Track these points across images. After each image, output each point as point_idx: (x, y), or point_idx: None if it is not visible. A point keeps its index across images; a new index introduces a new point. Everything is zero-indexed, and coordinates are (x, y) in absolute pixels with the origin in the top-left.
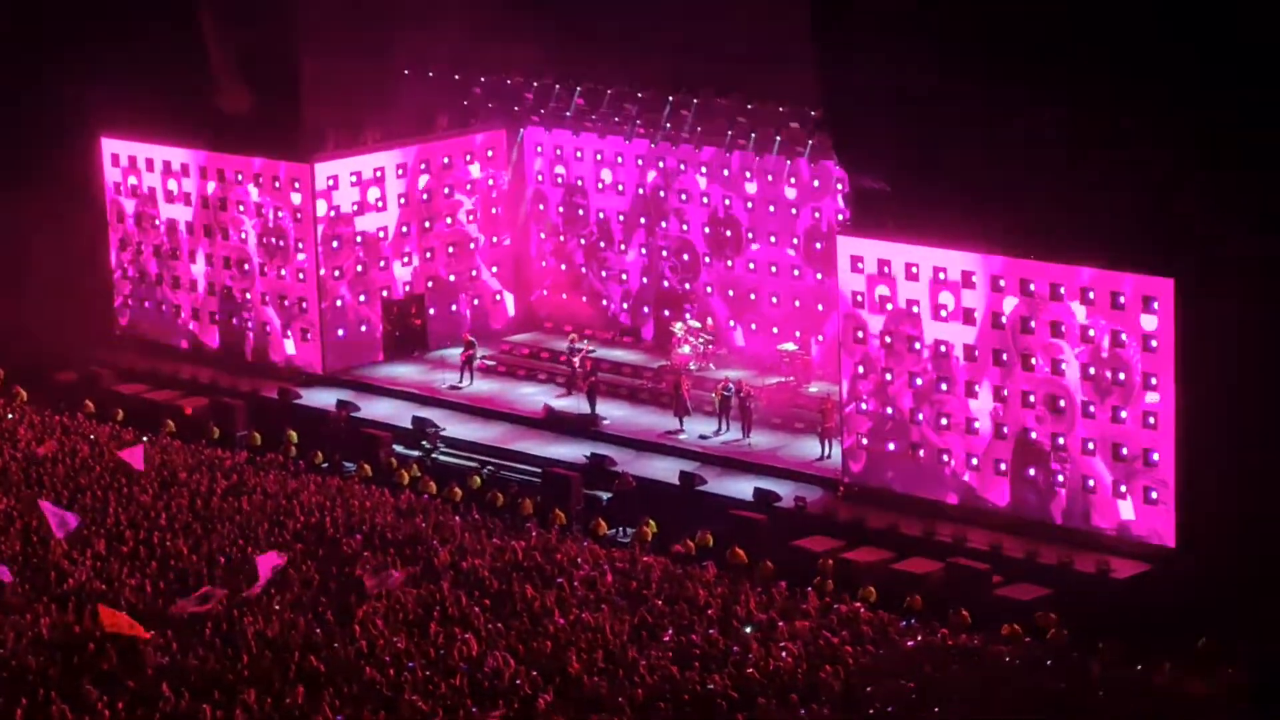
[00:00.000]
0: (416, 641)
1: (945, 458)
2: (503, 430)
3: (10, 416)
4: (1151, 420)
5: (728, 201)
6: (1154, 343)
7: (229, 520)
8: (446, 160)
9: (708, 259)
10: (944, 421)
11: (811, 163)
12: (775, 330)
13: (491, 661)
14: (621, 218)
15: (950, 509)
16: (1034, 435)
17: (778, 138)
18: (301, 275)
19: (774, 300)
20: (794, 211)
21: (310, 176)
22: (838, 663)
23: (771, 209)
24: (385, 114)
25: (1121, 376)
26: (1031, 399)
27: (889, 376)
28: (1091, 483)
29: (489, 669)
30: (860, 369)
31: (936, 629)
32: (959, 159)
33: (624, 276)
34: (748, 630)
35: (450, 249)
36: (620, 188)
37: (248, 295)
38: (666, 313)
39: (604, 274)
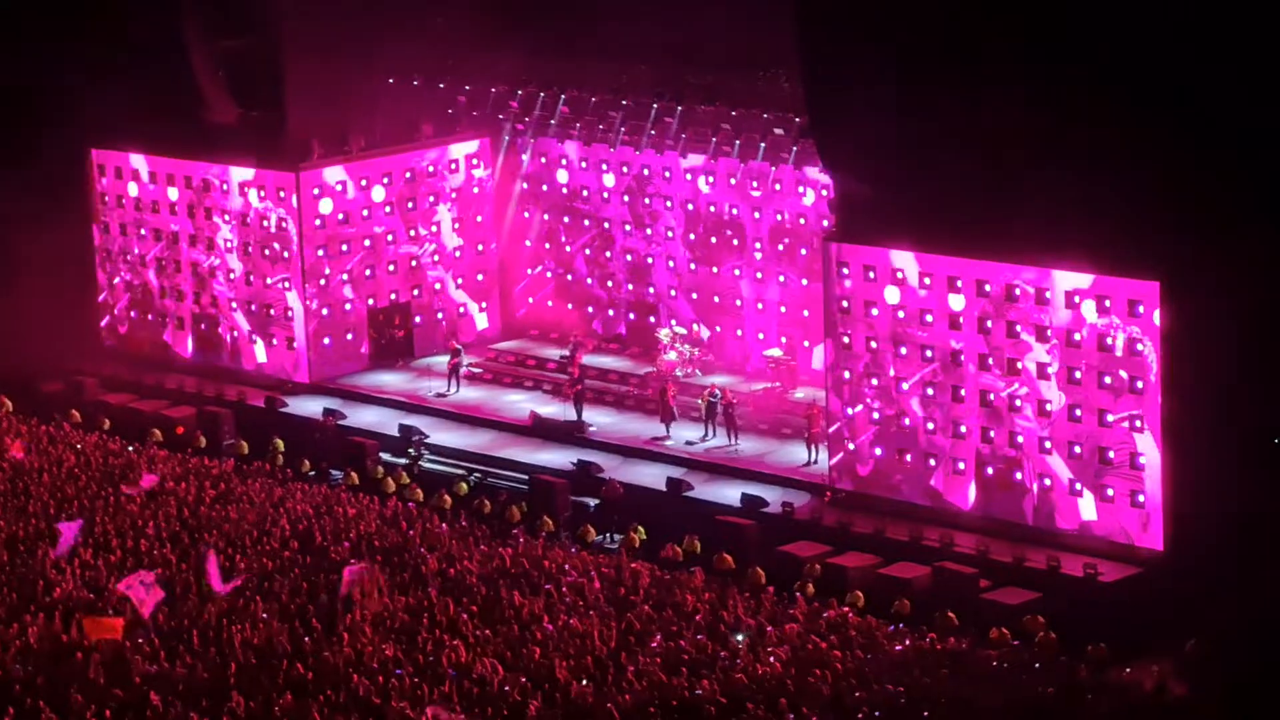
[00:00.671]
0: (405, 649)
1: (931, 462)
2: (490, 437)
3: None
4: (1138, 424)
5: (713, 208)
6: (1140, 345)
7: (217, 529)
8: (431, 169)
9: (693, 265)
10: (930, 426)
11: (796, 168)
12: (761, 336)
13: (479, 668)
14: (606, 225)
15: (936, 513)
16: (1020, 439)
17: (762, 144)
18: (287, 283)
19: (759, 306)
20: (779, 217)
21: (296, 185)
22: (826, 668)
23: (756, 215)
24: (370, 123)
25: (1108, 380)
26: (1018, 403)
27: (875, 382)
28: (1079, 485)
29: (477, 676)
30: (845, 374)
31: (924, 633)
32: (944, 164)
33: (609, 283)
34: (739, 638)
35: (435, 257)
36: (605, 195)
37: (233, 304)
38: (652, 319)
39: (589, 280)
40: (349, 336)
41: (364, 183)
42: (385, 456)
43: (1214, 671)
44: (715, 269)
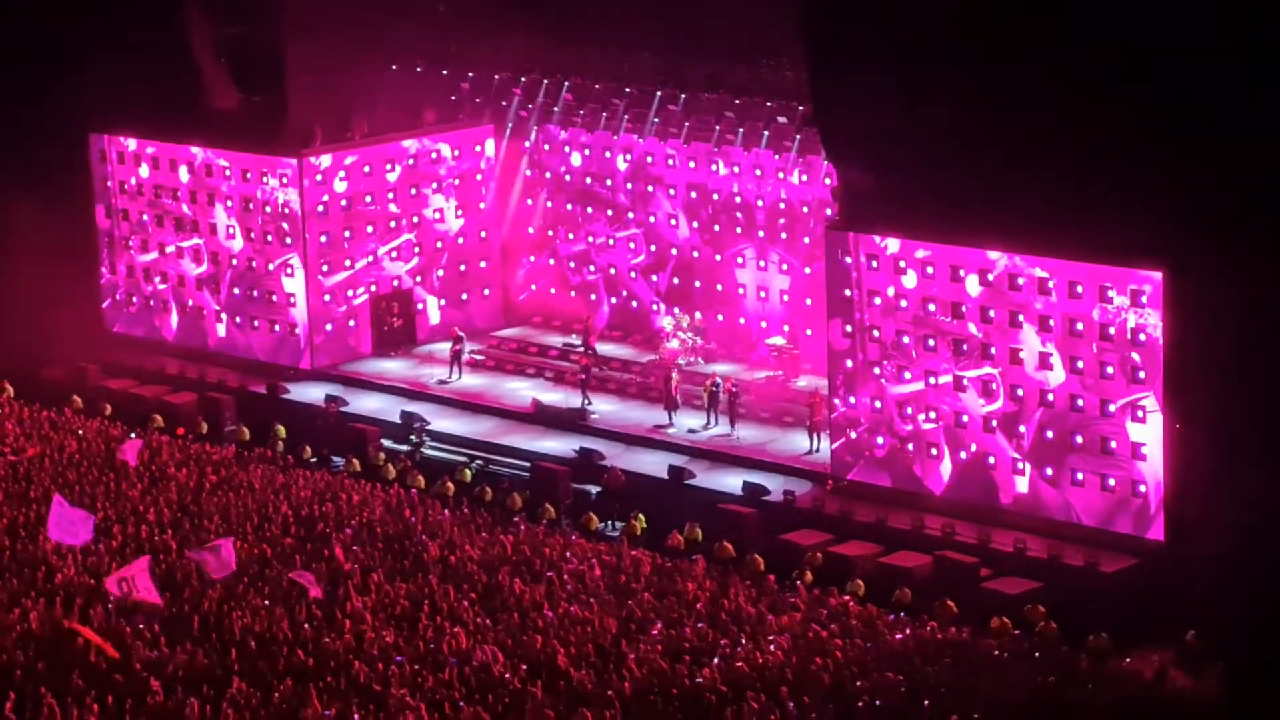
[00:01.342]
0: (406, 636)
1: (933, 451)
2: (491, 425)
3: None
4: (1140, 414)
5: (716, 195)
6: (1143, 336)
7: (218, 514)
8: (434, 155)
9: (696, 253)
10: (932, 414)
11: (800, 157)
12: (764, 325)
13: (480, 655)
14: (610, 212)
15: (939, 502)
16: (1022, 429)
17: (765, 132)
18: (289, 270)
19: (762, 295)
20: (782, 205)
21: (298, 171)
22: (827, 656)
23: (760, 203)
24: (373, 109)
25: (1110, 370)
26: (1020, 392)
27: (877, 371)
28: (1080, 476)
29: (477, 663)
30: (848, 363)
31: (925, 623)
32: (947, 153)
33: (612, 270)
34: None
35: (438, 244)
36: (608, 182)
37: (235, 290)
38: (656, 307)
39: (591, 267)
40: (351, 323)
41: (367, 169)
42: (387, 443)
43: (1214, 662)
44: (719, 256)
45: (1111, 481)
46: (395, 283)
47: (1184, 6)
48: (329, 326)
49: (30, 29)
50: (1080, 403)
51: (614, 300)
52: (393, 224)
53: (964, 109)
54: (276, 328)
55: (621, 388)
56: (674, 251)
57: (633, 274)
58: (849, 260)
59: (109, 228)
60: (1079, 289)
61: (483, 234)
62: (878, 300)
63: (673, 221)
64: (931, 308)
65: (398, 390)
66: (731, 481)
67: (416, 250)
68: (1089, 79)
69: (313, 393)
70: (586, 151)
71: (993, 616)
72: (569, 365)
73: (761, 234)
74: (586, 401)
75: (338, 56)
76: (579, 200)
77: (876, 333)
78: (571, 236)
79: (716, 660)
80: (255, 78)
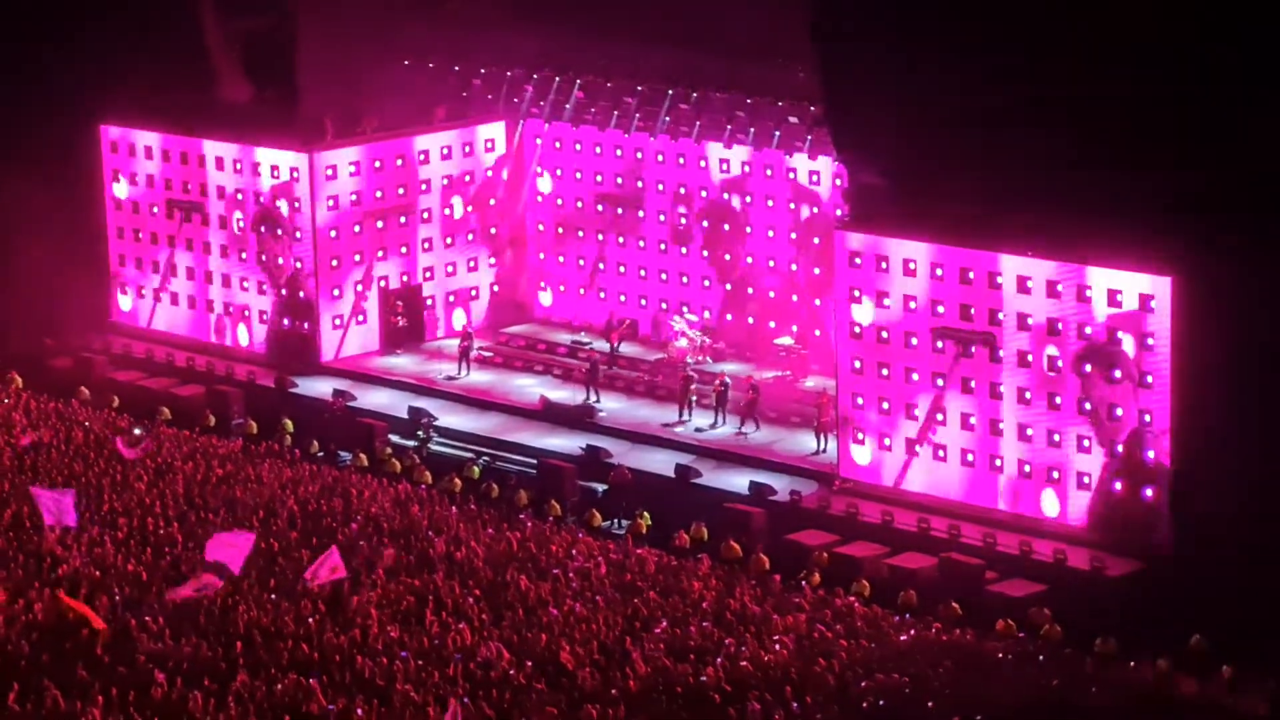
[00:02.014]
0: (412, 631)
1: (940, 453)
2: (499, 421)
3: (5, 402)
4: (1147, 419)
5: (726, 195)
6: (1151, 340)
7: (224, 508)
8: (445, 151)
9: (705, 252)
10: (939, 417)
11: (810, 158)
12: (772, 324)
13: (484, 652)
14: (620, 210)
15: (945, 505)
16: (1030, 432)
17: (776, 132)
18: (299, 264)
19: (771, 294)
20: (792, 205)
21: (309, 165)
22: (831, 657)
23: (770, 203)
24: (384, 104)
25: (1118, 374)
26: (1028, 395)
27: (885, 372)
28: (1087, 479)
29: (482, 659)
30: (856, 364)
31: (930, 624)
32: (957, 155)
33: (622, 268)
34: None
35: (447, 240)
36: (619, 180)
37: (245, 285)
38: (664, 306)
39: (602, 265)
40: (360, 319)
41: (378, 164)
42: (394, 438)
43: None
44: (728, 256)
45: (1116, 485)
46: (404, 278)
47: (1198, 10)
48: (337, 321)
49: (43, 19)
50: (1088, 406)
51: (623, 298)
52: (403, 219)
53: (974, 111)
54: (285, 321)
55: (630, 386)
56: (684, 251)
57: (642, 272)
58: (858, 261)
59: (118, 219)
60: (1088, 293)
61: (493, 230)
62: (886, 301)
63: (682, 220)
64: (940, 309)
65: (406, 386)
66: (738, 481)
67: (425, 246)
68: (1101, 83)
69: (320, 387)
70: (598, 149)
71: (998, 619)
72: (577, 363)
73: (771, 233)
74: (595, 398)
75: (350, 51)
76: (589, 197)
77: (884, 334)
78: (581, 234)
79: (721, 659)
80: (267, 71)
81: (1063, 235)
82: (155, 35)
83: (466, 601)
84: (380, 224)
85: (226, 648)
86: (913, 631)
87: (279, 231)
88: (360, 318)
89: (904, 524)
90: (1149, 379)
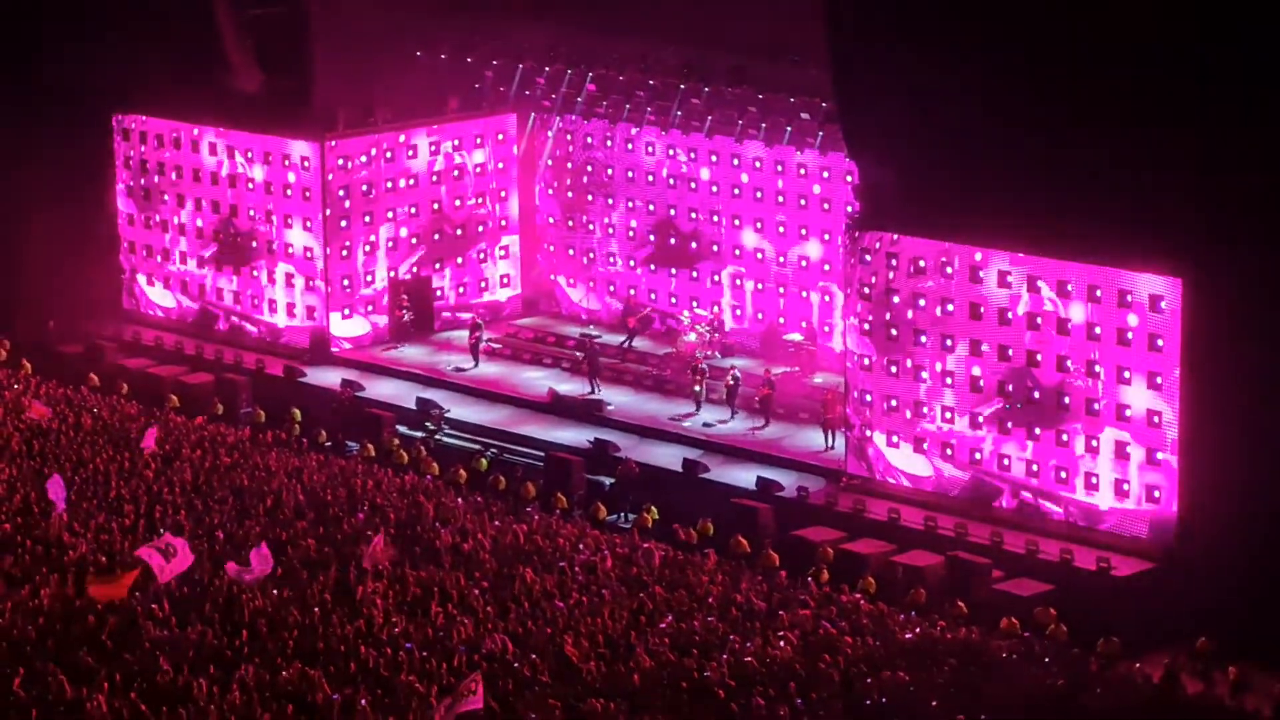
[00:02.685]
0: (418, 622)
1: (948, 450)
2: (507, 413)
3: (16, 387)
4: (1156, 420)
5: (737, 190)
6: (1160, 342)
7: (231, 496)
8: (456, 142)
9: (715, 247)
10: (947, 415)
11: (822, 154)
12: (782, 320)
13: (489, 644)
14: (631, 204)
15: (952, 502)
16: (1038, 431)
17: (788, 128)
18: (309, 253)
19: (781, 290)
20: (803, 202)
21: (320, 155)
22: (836, 653)
23: (780, 199)
24: (397, 95)
25: (1127, 375)
26: (1036, 395)
27: (894, 370)
28: (1095, 479)
29: (486, 651)
30: (866, 361)
31: (935, 622)
32: (969, 153)
33: (633, 262)
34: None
35: (458, 231)
36: (630, 174)
37: (254, 272)
38: (673, 300)
39: (612, 258)
40: (369, 309)
41: (389, 155)
42: (402, 429)
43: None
44: (738, 251)
45: (1126, 486)
46: (414, 269)
47: (1208, 9)
48: (346, 310)
49: (54, 5)
50: (1097, 407)
51: (633, 291)
52: (413, 210)
53: (986, 109)
54: (296, 310)
55: (638, 380)
56: (694, 245)
57: (652, 266)
58: (869, 258)
59: (129, 206)
60: (1098, 293)
61: (503, 223)
62: (895, 299)
63: (693, 214)
64: (950, 307)
65: (414, 377)
66: (745, 476)
67: (436, 238)
68: (1110, 81)
69: (329, 377)
70: (609, 143)
71: (1003, 618)
72: (582, 355)
73: (781, 230)
74: (594, 390)
75: (363, 41)
76: (599, 191)
77: (894, 331)
78: (592, 227)
79: (725, 654)
80: (280, 60)
81: (1073, 234)
82: (167, 24)
83: (472, 593)
84: (391, 214)
85: (232, 636)
86: (918, 629)
87: (290, 220)
88: (369, 308)
89: (910, 521)
90: (1159, 379)
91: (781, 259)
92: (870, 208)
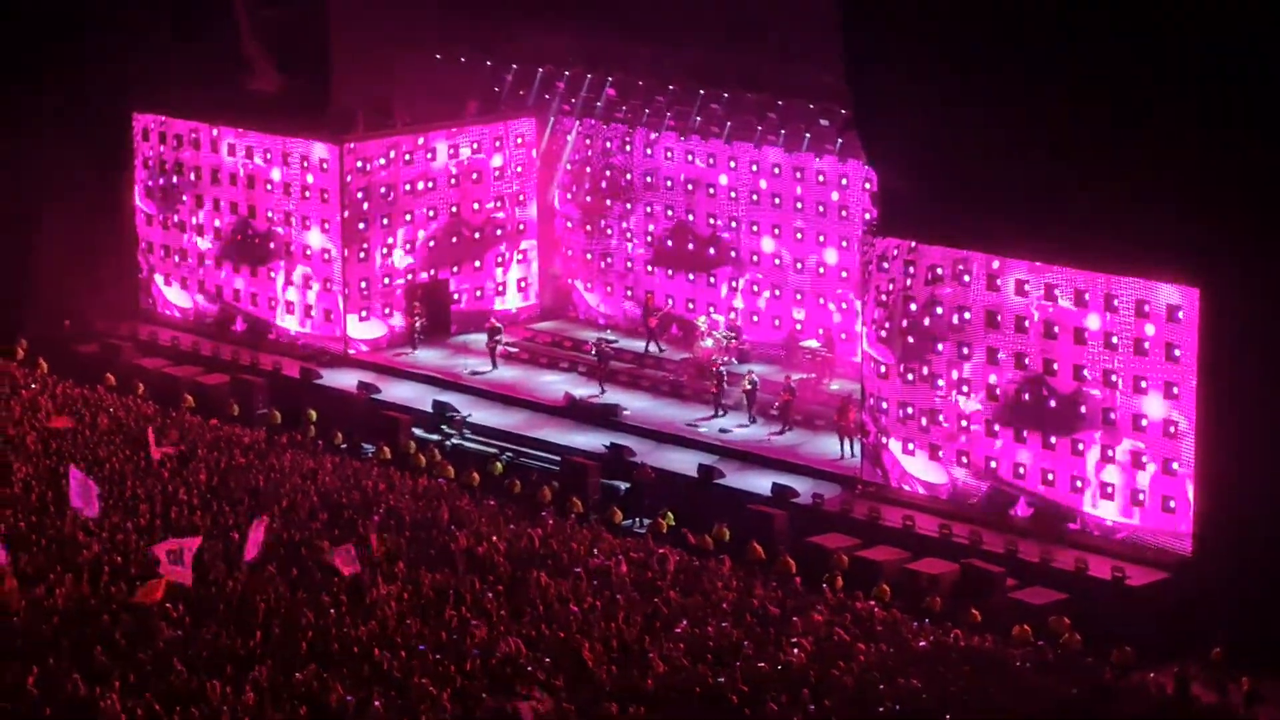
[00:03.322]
0: (432, 625)
1: (964, 458)
2: (524, 417)
3: (33, 387)
4: (1172, 430)
5: (755, 196)
6: (1177, 351)
7: (247, 497)
8: (475, 146)
9: (733, 253)
10: (964, 423)
11: (841, 160)
12: (798, 327)
13: (503, 647)
14: (649, 209)
15: (968, 510)
16: (1053, 440)
17: (807, 135)
18: (327, 255)
19: (798, 296)
20: (821, 208)
21: (339, 157)
22: (850, 660)
23: (799, 205)
24: (415, 98)
25: (1144, 384)
26: (1052, 403)
27: (910, 377)
28: (1110, 489)
29: (500, 655)
30: (882, 368)
31: (949, 630)
32: (987, 162)
33: (650, 268)
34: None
35: (476, 235)
36: (649, 179)
37: (272, 273)
38: (690, 306)
39: (629, 263)
40: (386, 310)
41: (408, 157)
42: (418, 432)
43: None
44: (755, 257)
45: (1141, 496)
46: (430, 272)
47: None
48: (364, 313)
49: (75, 7)
50: (1113, 416)
51: (650, 294)
52: (431, 213)
53: (1006, 119)
54: (312, 312)
55: (655, 385)
56: (711, 251)
57: (669, 272)
58: (886, 265)
59: (147, 206)
60: (1115, 302)
61: (521, 227)
62: (913, 306)
63: (711, 220)
64: (966, 315)
65: (431, 379)
66: (761, 482)
67: (454, 241)
68: (1129, 93)
69: (345, 378)
70: (627, 147)
71: (1016, 626)
72: (593, 358)
73: (799, 236)
74: (601, 390)
75: (382, 43)
76: (618, 196)
77: (910, 339)
78: (609, 232)
79: (739, 661)
80: (298, 61)
81: (1090, 244)
82: (187, 23)
83: (486, 597)
84: (409, 216)
85: (246, 636)
86: (932, 637)
87: (306, 221)
88: (386, 310)
89: (925, 528)
90: (1175, 389)
91: (799, 265)
92: (888, 214)
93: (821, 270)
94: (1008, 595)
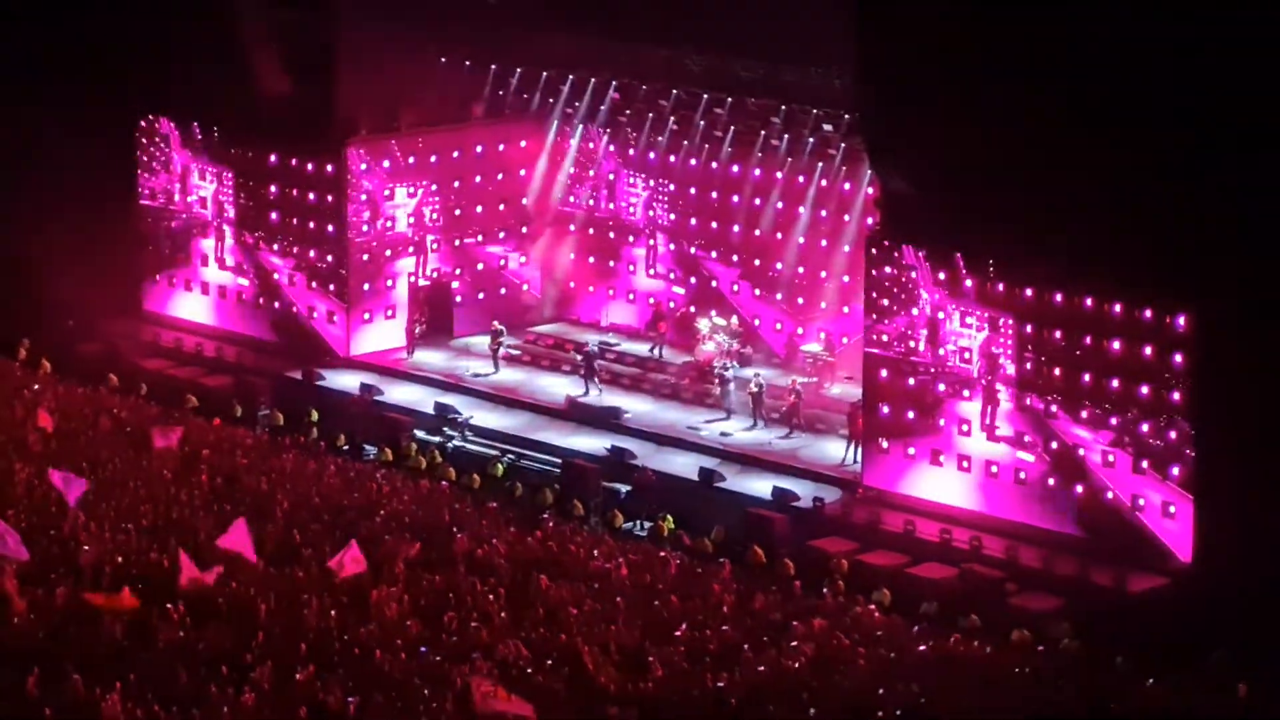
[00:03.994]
0: (432, 628)
1: (965, 464)
2: (525, 420)
3: (36, 387)
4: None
5: (758, 200)
6: (1172, 370)
7: (249, 498)
8: (479, 150)
9: (735, 257)
10: (964, 428)
11: (844, 166)
12: (800, 331)
13: (503, 650)
14: (651, 213)
15: (967, 516)
16: (1054, 445)
17: (810, 139)
18: (330, 259)
19: (800, 301)
20: (823, 213)
21: (343, 160)
22: (849, 665)
23: (802, 210)
24: (420, 101)
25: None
26: (1054, 409)
27: (910, 382)
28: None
29: (500, 658)
30: (883, 373)
31: (949, 635)
32: (989, 174)
33: (652, 271)
34: None
35: (479, 238)
36: (652, 182)
37: (275, 277)
38: (692, 309)
39: (631, 267)
40: (389, 313)
41: (411, 160)
42: (419, 434)
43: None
44: (758, 261)
45: (1141, 502)
46: (435, 273)
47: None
48: (366, 315)
49: (80, 10)
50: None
51: (652, 300)
52: (434, 215)
53: (1009, 133)
54: (316, 314)
55: (656, 388)
56: (714, 254)
57: (671, 275)
58: (888, 270)
59: (152, 209)
60: (1110, 321)
61: (524, 229)
62: (914, 311)
63: (713, 224)
64: (969, 320)
65: (433, 382)
66: (761, 486)
67: (457, 244)
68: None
69: (348, 381)
70: (631, 151)
71: (1015, 631)
72: (602, 364)
73: (801, 240)
74: (587, 391)
75: (387, 47)
76: (621, 200)
77: (912, 344)
78: (613, 236)
79: (739, 665)
80: (304, 64)
81: (1087, 264)
82: (192, 27)
83: (487, 600)
84: (412, 219)
85: (246, 638)
86: (931, 642)
87: (310, 225)
88: (389, 313)
89: (926, 534)
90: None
91: (801, 269)
92: (891, 220)
93: (823, 274)
94: (1008, 601)
